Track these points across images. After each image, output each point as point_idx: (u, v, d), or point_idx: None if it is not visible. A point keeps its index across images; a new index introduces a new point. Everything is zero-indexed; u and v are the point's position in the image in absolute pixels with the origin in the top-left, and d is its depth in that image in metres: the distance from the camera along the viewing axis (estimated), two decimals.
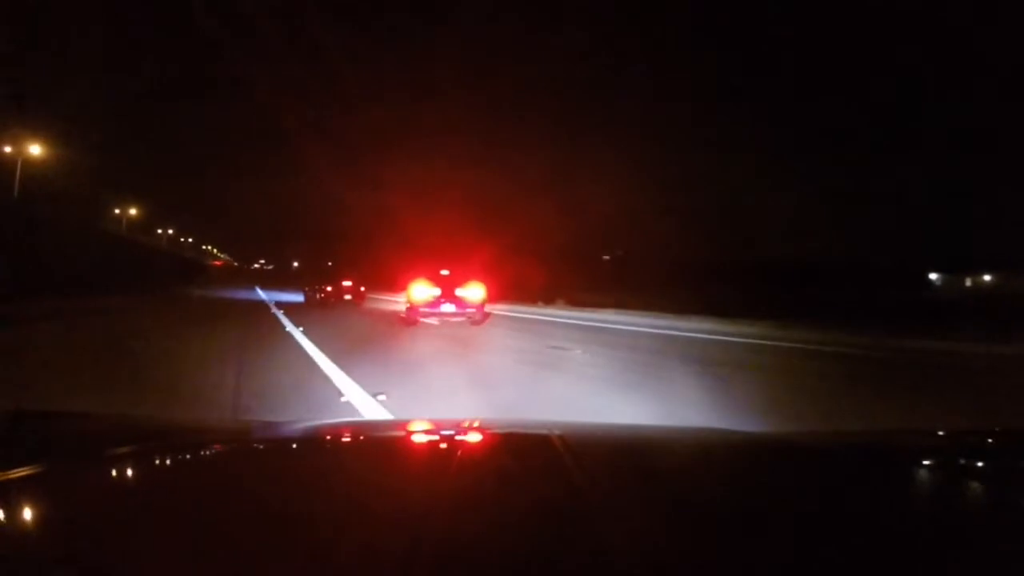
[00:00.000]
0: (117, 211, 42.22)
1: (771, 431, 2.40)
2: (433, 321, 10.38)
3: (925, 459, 1.11)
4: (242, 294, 22.57)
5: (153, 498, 0.78)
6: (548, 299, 18.53)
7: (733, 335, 8.95)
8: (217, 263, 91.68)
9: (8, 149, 25.35)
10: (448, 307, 10.27)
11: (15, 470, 0.76)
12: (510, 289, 19.94)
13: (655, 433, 1.65)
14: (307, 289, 19.88)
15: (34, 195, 25.54)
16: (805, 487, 0.91)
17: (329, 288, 17.94)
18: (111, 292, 17.15)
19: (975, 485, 0.96)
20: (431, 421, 1.51)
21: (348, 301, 17.42)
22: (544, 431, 1.17)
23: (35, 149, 26.16)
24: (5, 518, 0.67)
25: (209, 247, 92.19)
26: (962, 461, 1.08)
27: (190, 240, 75.42)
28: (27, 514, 0.70)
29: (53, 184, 27.28)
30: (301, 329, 8.51)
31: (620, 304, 14.96)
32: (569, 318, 13.07)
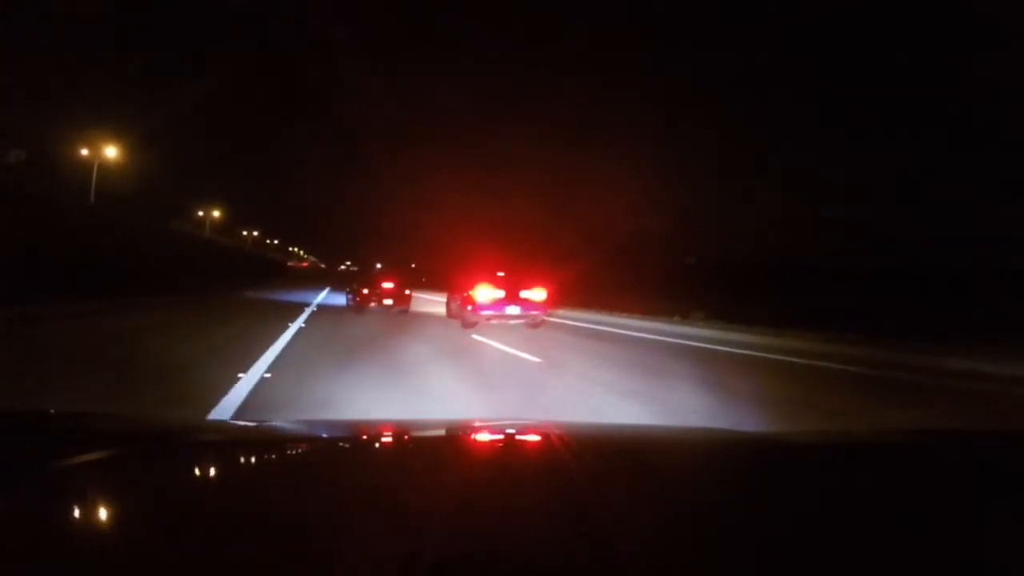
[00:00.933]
0: (200, 213, 43.70)
1: (771, 431, 2.41)
2: (491, 340, 8.02)
3: (926, 459, 1.08)
4: (297, 296, 20.73)
5: (152, 498, 0.77)
6: (683, 312, 13.97)
7: None
8: (303, 264, 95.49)
9: (85, 152, 25.53)
10: (513, 309, 10.06)
11: (14, 471, 0.77)
12: (607, 296, 16.66)
13: (656, 433, 1.62)
14: (348, 292, 16.07)
15: (109, 196, 25.78)
16: (805, 487, 0.90)
17: (365, 291, 14.23)
18: (161, 292, 15.78)
19: (976, 485, 0.92)
20: (433, 421, 1.70)
21: (389, 307, 13.98)
22: (545, 431, 1.20)
23: (111, 151, 26.24)
24: (4, 518, 0.67)
25: (296, 248, 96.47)
26: (964, 461, 1.06)
27: (275, 241, 78.88)
28: (26, 513, 0.69)
29: (129, 186, 27.68)
30: (266, 376, 4.85)
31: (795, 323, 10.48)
32: (755, 349, 8.50)
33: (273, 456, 1.08)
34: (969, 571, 0.59)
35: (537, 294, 10.42)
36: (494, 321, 10.16)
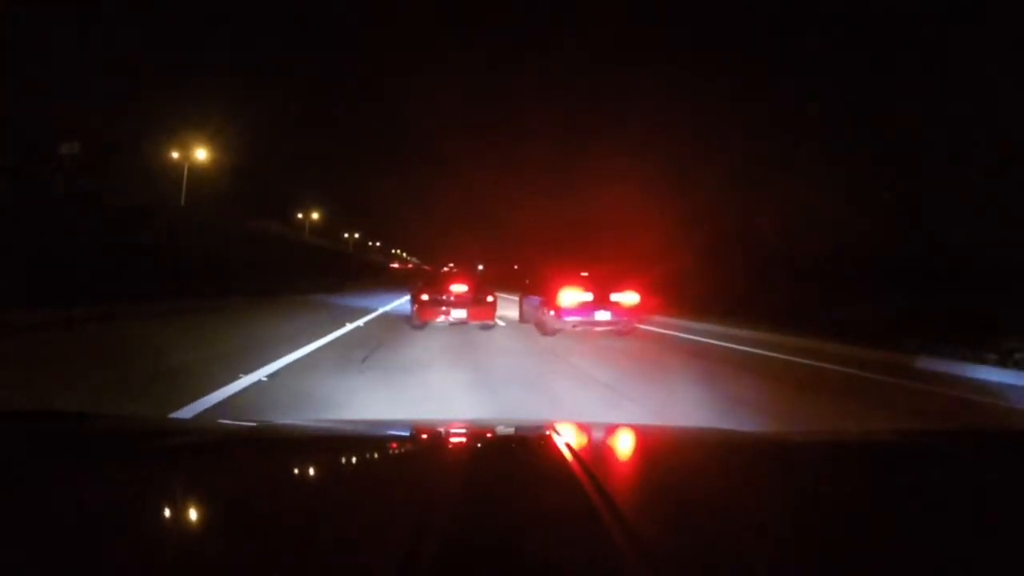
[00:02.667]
0: (300, 215, 44.15)
1: (771, 431, 2.34)
2: None
3: (925, 458, 1.07)
4: (369, 300, 17.92)
5: (153, 498, 0.76)
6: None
7: None
8: (408, 265, 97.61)
9: (175, 155, 25.21)
10: (603, 314, 9.02)
11: (12, 471, 0.76)
12: (733, 305, 12.76)
13: (656, 433, 1.63)
14: (412, 295, 10.42)
15: (201, 197, 25.44)
16: (805, 486, 0.90)
17: (425, 297, 9.43)
18: (224, 295, 14.07)
19: (975, 485, 0.91)
20: (433, 421, 1.66)
21: (461, 320, 9.25)
22: (546, 431, 1.15)
23: (201, 153, 25.77)
24: (3, 518, 0.66)
25: (399, 251, 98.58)
26: (963, 460, 1.04)
27: (377, 244, 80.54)
28: (24, 514, 0.67)
29: (223, 188, 27.45)
30: None
31: None
32: None
33: (273, 456, 1.04)
34: (968, 570, 0.59)
35: (629, 297, 9.22)
36: (579, 328, 9.08)
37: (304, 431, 1.37)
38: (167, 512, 0.71)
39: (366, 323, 10.40)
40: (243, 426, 1.49)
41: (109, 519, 0.66)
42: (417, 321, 9.38)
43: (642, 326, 10.28)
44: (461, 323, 9.35)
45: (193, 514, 0.70)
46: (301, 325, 9.21)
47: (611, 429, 1.53)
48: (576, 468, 0.84)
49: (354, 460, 1.05)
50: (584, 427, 1.46)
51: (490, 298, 9.74)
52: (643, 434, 1.44)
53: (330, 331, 8.29)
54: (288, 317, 11.11)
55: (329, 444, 1.16)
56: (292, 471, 0.95)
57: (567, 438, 1.05)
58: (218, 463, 0.95)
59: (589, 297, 9.06)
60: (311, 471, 0.95)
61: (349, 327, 9.25)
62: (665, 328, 11.72)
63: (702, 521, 0.70)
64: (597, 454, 1.08)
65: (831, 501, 0.81)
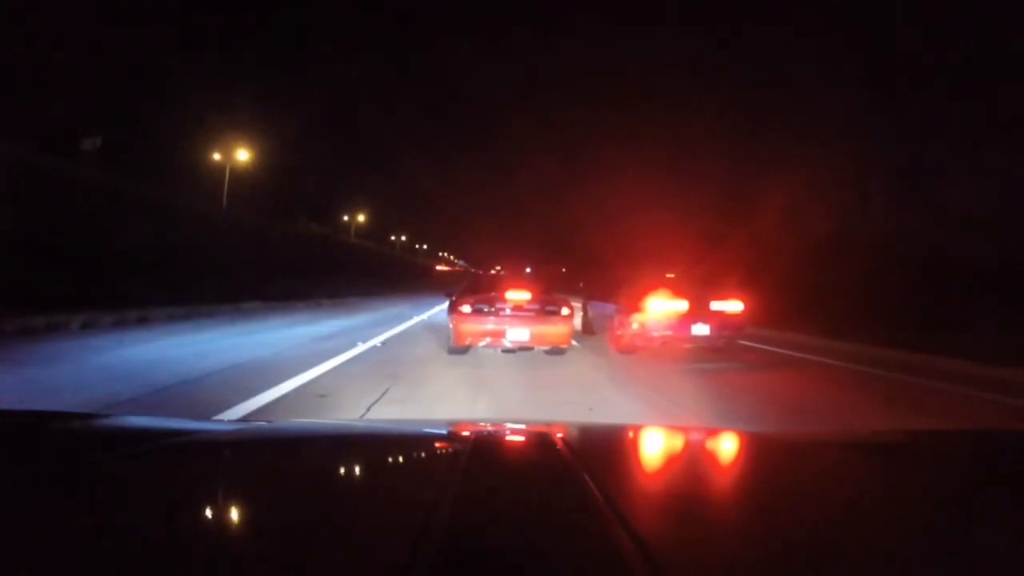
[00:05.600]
0: (345, 218, 43.53)
1: (771, 431, 2.29)
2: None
3: (924, 458, 1.07)
4: (399, 307, 15.93)
5: (153, 498, 0.76)
6: None
7: None
8: (456, 268, 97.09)
9: (217, 156, 24.50)
10: (701, 328, 7.10)
11: (10, 471, 0.77)
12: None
13: (657, 433, 1.57)
14: (450, 305, 7.07)
15: (242, 200, 24.70)
16: (807, 486, 0.90)
17: (466, 308, 6.46)
18: (241, 299, 12.42)
19: (975, 484, 0.90)
20: (434, 422, 1.58)
21: (523, 344, 6.34)
22: (547, 431, 1.16)
23: (243, 155, 24.97)
24: (4, 518, 0.66)
25: (445, 253, 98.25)
26: (962, 460, 1.04)
27: (424, 246, 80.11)
28: (23, 514, 0.68)
29: (265, 190, 26.75)
30: None
31: None
32: None
33: (274, 456, 1.05)
34: (969, 569, 0.59)
35: (732, 306, 7.42)
36: (666, 345, 7.20)
37: (303, 431, 1.37)
38: (162, 512, 0.69)
39: (387, 341, 8.24)
40: (243, 426, 1.56)
41: (108, 519, 0.66)
42: (456, 343, 6.61)
43: (739, 341, 8.13)
44: (522, 348, 6.45)
45: (191, 514, 0.70)
46: (289, 349, 7.20)
47: (613, 430, 1.53)
48: (578, 469, 0.86)
49: (356, 460, 1.03)
50: (586, 428, 1.60)
51: (565, 310, 6.64)
52: (645, 435, 1.41)
53: (332, 356, 6.25)
54: (292, 330, 9.21)
55: (329, 444, 1.16)
56: (292, 471, 0.93)
57: (569, 439, 1.09)
58: (217, 463, 0.95)
59: (683, 306, 7.15)
60: (310, 471, 0.93)
61: (361, 348, 7.21)
62: (776, 345, 9.27)
63: (705, 521, 0.71)
64: (599, 455, 1.08)
65: (834, 501, 0.82)
